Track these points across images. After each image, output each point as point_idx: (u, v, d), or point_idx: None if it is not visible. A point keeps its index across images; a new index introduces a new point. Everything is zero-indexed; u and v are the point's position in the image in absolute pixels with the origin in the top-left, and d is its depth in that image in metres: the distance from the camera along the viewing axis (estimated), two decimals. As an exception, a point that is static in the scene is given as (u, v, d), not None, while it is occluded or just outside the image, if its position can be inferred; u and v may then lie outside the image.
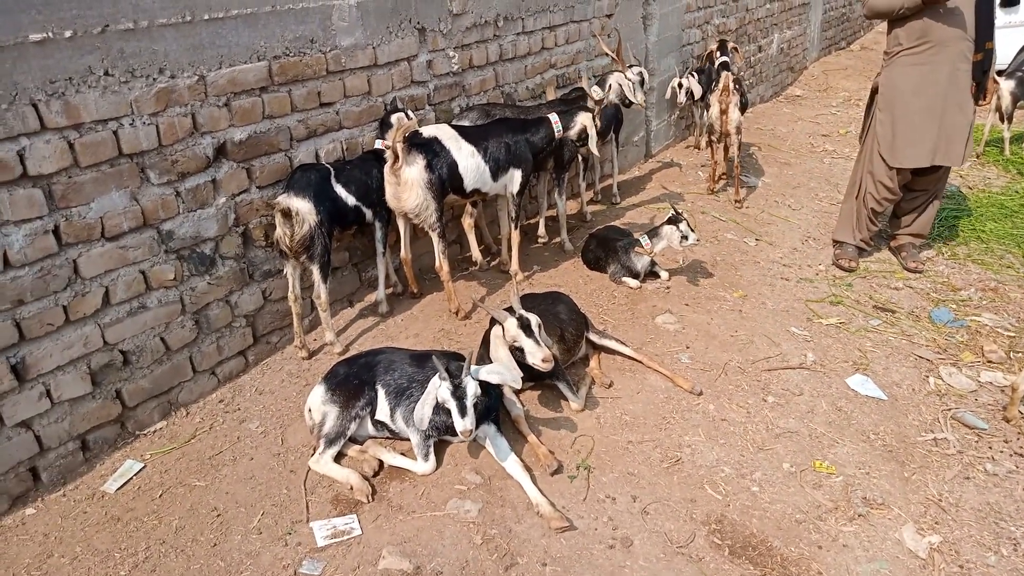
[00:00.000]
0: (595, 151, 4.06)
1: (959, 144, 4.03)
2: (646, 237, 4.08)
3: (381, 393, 2.79)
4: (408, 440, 2.79)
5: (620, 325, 3.78)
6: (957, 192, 5.56)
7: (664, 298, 4.06)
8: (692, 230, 3.99)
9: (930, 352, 3.55)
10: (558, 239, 4.71)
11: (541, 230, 4.79)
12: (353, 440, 2.83)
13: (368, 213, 3.53)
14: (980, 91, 4.09)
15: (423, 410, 2.53)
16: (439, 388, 2.52)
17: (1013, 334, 3.68)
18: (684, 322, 3.80)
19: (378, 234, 3.65)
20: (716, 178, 5.74)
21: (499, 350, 2.75)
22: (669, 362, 3.44)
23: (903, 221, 4.50)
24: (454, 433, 2.72)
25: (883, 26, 4.19)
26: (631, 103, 4.78)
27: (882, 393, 3.23)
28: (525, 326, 2.74)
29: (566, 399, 3.10)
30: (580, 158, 4.97)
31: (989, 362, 3.47)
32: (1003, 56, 7.82)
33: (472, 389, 2.51)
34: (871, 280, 4.31)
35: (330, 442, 2.72)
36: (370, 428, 2.85)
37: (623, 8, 5.60)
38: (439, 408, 2.59)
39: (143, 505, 2.61)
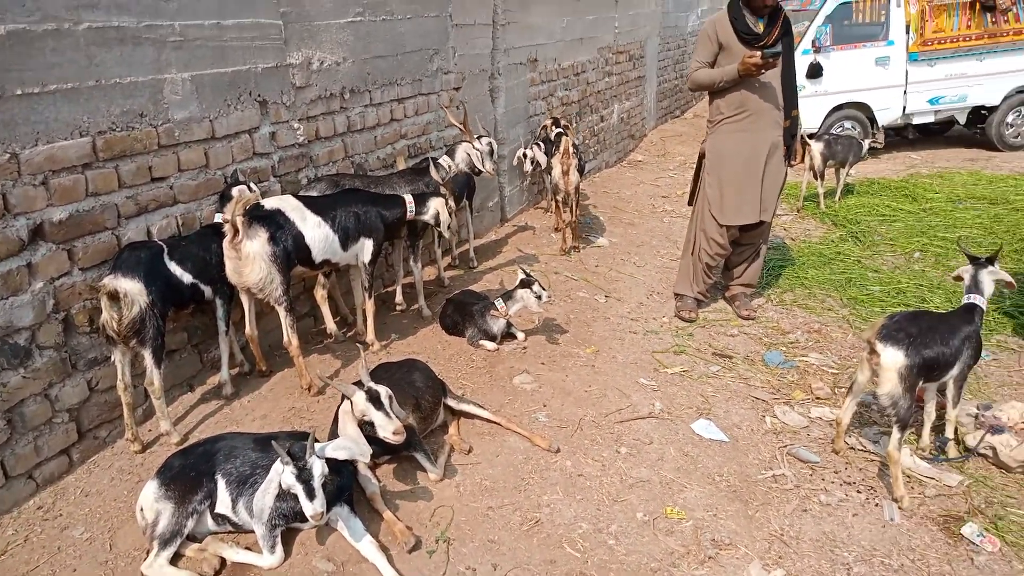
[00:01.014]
0: (447, 234, 4.17)
1: (774, 201, 4.46)
2: (501, 300, 4.16)
3: (221, 483, 2.61)
4: (254, 532, 2.61)
5: (479, 388, 3.79)
6: (781, 243, 6.10)
7: (521, 358, 4.12)
8: (544, 290, 4.10)
9: (765, 393, 3.81)
10: (416, 305, 4.70)
11: (399, 297, 4.76)
12: (192, 538, 2.61)
13: (207, 290, 3.37)
14: (790, 153, 4.56)
15: (264, 500, 2.40)
16: (282, 473, 2.39)
17: (836, 371, 4.02)
18: (541, 381, 3.87)
19: (219, 312, 3.48)
20: (564, 236, 5.99)
21: (348, 426, 2.67)
22: (527, 422, 3.47)
23: (735, 273, 4.87)
24: (303, 519, 2.59)
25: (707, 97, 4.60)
26: (480, 171, 4.94)
27: (724, 435, 3.41)
28: (374, 399, 2.68)
29: (424, 470, 3.04)
30: (435, 230, 5.03)
31: (817, 399, 3.76)
32: (813, 121, 8.79)
33: (319, 469, 2.41)
34: (710, 329, 4.60)
35: (165, 543, 2.49)
36: (210, 523, 2.64)
37: (470, 82, 5.81)
38: (285, 495, 2.46)
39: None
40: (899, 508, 2.89)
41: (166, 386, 3.27)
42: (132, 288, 2.95)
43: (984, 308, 3.18)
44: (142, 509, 2.57)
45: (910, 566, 2.61)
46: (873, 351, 2.97)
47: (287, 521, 2.58)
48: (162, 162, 3.34)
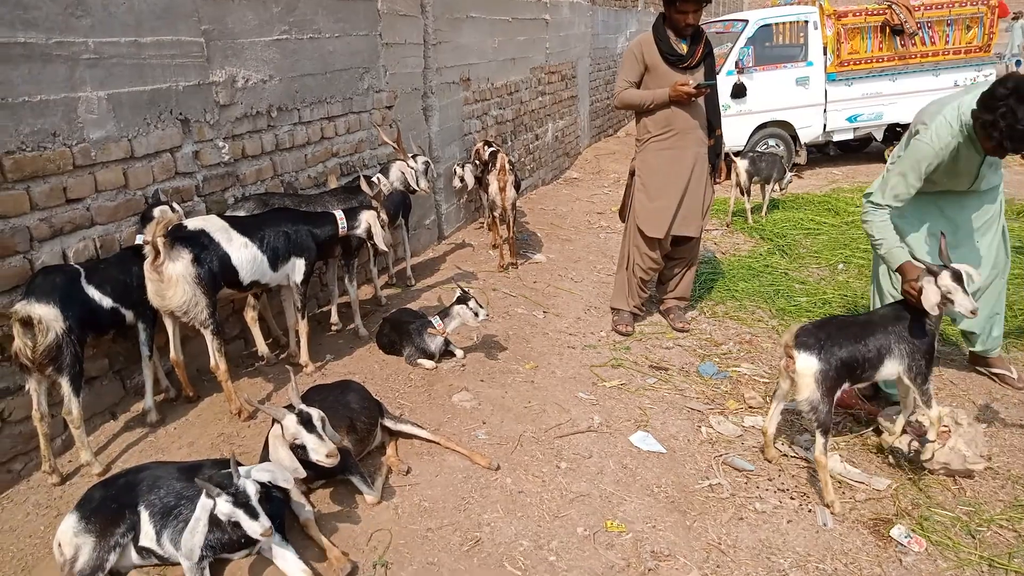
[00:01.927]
0: (382, 246, 4.10)
1: (702, 216, 4.59)
2: (439, 318, 4.12)
3: (145, 515, 2.48)
4: (179, 565, 2.49)
5: (417, 408, 3.74)
6: (712, 257, 6.25)
7: (460, 376, 4.08)
8: (481, 307, 4.08)
9: (700, 403, 3.87)
10: (352, 325, 4.62)
11: (334, 317, 4.67)
12: (115, 574, 2.47)
13: (128, 315, 3.23)
14: (715, 171, 4.69)
15: (193, 539, 2.28)
16: (215, 506, 2.30)
17: (767, 380, 4.12)
18: (480, 398, 3.84)
19: (142, 336, 3.34)
20: (502, 252, 6.00)
21: (279, 450, 2.58)
22: (467, 440, 3.43)
23: (668, 286, 4.96)
24: (232, 550, 2.51)
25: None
26: (415, 190, 4.91)
27: (661, 447, 3.44)
28: (306, 421, 2.61)
29: (361, 493, 2.97)
30: (369, 244, 4.97)
31: (750, 408, 3.84)
32: (738, 139, 9.08)
33: (252, 488, 2.34)
34: (646, 342, 4.66)
35: (84, 580, 2.36)
36: (134, 557, 2.51)
37: (403, 100, 5.79)
38: (215, 526, 2.37)
39: None
40: (831, 513, 2.96)
41: (87, 415, 3.11)
42: (47, 314, 2.81)
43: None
44: (60, 544, 2.42)
45: (843, 570, 2.67)
46: (789, 358, 3.05)
47: (215, 552, 2.47)
48: (78, 183, 3.20)
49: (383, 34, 5.37)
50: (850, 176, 9.55)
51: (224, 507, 2.30)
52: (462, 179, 6.50)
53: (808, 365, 2.99)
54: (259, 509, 2.33)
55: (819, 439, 2.98)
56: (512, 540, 2.79)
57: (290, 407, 2.68)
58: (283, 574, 2.51)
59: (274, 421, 2.71)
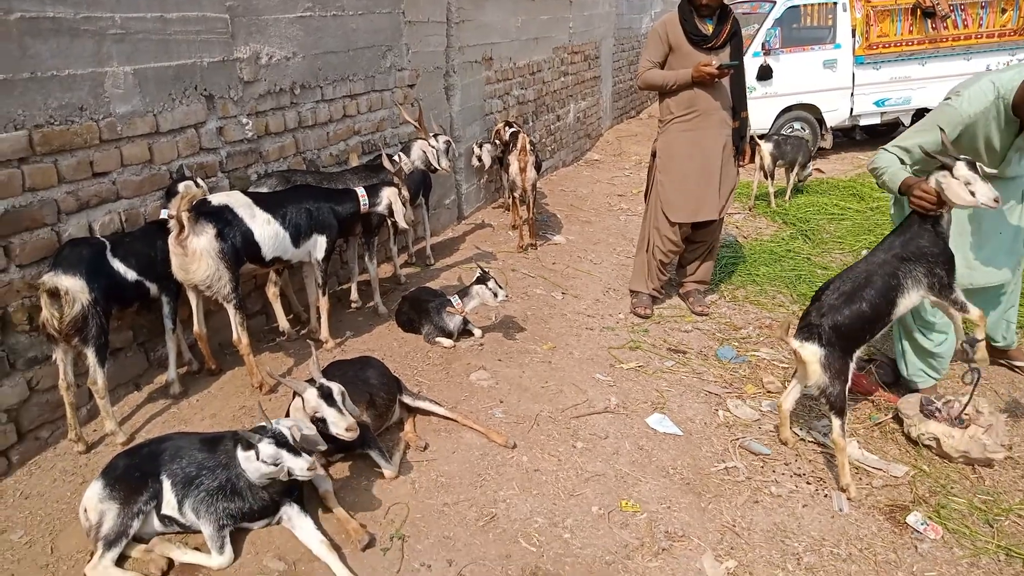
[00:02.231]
0: (403, 223, 4.11)
1: (724, 199, 4.54)
2: (457, 297, 4.13)
3: (167, 484, 2.54)
4: (201, 533, 2.55)
5: (435, 385, 3.77)
6: (734, 241, 6.21)
7: (478, 355, 4.11)
8: (501, 287, 4.09)
9: (718, 387, 3.86)
10: (372, 303, 4.65)
11: (354, 295, 4.71)
12: (138, 539, 2.54)
13: (153, 288, 3.28)
14: (739, 154, 4.64)
15: (258, 467, 2.43)
16: (259, 451, 2.40)
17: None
18: (497, 377, 3.86)
19: (166, 309, 3.39)
20: (522, 233, 6.00)
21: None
22: (484, 418, 3.46)
23: (688, 270, 4.93)
24: (252, 519, 2.57)
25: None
26: (436, 169, 4.91)
27: (678, 429, 3.45)
28: (326, 395, 2.64)
29: (379, 467, 3.01)
30: (390, 222, 4.98)
31: (768, 392, 3.82)
32: (763, 122, 8.96)
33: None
34: (664, 325, 4.65)
35: (109, 544, 2.41)
36: (157, 524, 2.57)
37: (425, 79, 5.78)
38: (234, 494, 2.50)
39: None
40: (847, 498, 2.96)
41: (111, 385, 3.17)
42: (73, 285, 2.86)
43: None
44: (86, 510, 2.49)
45: (858, 555, 2.67)
46: (792, 349, 3.04)
47: (235, 521, 2.53)
48: (104, 157, 3.24)
49: (406, 12, 5.35)
50: (876, 161, 9.39)
51: (267, 449, 2.38)
52: (480, 159, 6.53)
53: (811, 352, 2.98)
54: (300, 448, 2.42)
55: (835, 421, 2.97)
56: (527, 517, 2.82)
57: (311, 381, 2.72)
58: (302, 543, 2.55)
59: (295, 394, 2.76)
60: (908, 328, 3.60)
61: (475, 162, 6.57)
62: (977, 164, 2.87)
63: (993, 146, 3.23)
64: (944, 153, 2.97)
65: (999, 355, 3.95)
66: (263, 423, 2.46)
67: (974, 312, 3.05)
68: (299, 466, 2.39)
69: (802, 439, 3.38)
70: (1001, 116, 3.12)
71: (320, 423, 2.64)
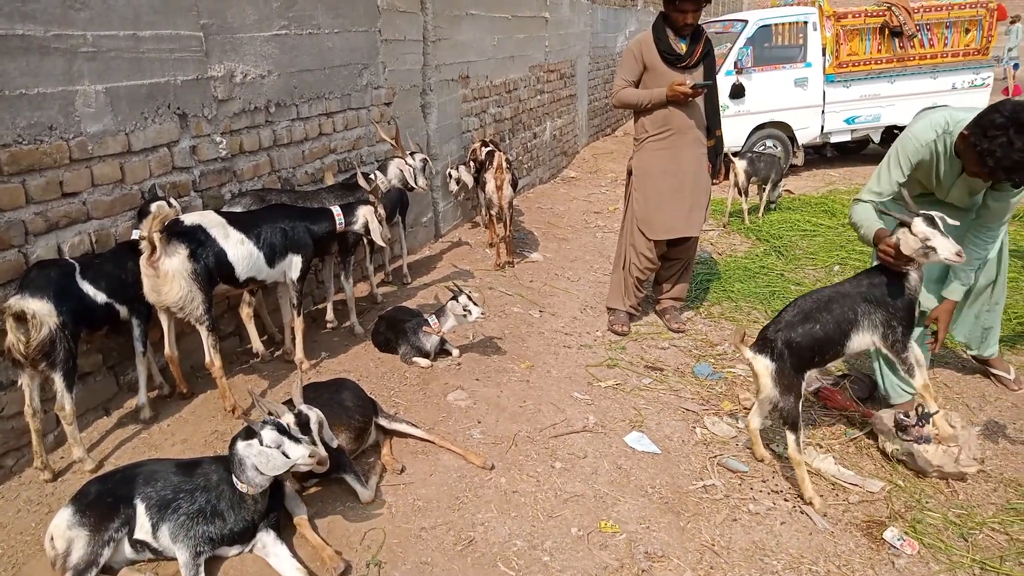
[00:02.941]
0: (379, 241, 4.08)
1: (700, 216, 4.58)
2: (434, 317, 4.11)
3: (141, 507, 2.47)
4: (175, 559, 2.48)
5: (412, 406, 3.73)
6: (709, 258, 6.26)
7: (455, 375, 4.08)
8: (476, 304, 4.06)
9: (695, 404, 3.87)
10: (348, 323, 4.61)
11: (330, 314, 4.66)
12: (107, 570, 2.47)
13: (123, 310, 3.22)
14: (715, 171, 4.69)
15: (271, 465, 2.41)
16: (261, 439, 2.40)
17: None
18: (475, 397, 3.84)
19: (136, 332, 3.33)
20: (499, 251, 5.99)
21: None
22: (461, 439, 3.43)
23: (664, 287, 4.96)
24: (230, 543, 2.52)
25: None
26: (413, 187, 4.90)
27: (656, 447, 3.44)
28: (304, 424, 2.59)
29: (355, 492, 2.96)
30: (366, 240, 4.95)
31: (745, 409, 3.83)
32: (736, 139, 9.08)
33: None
34: (642, 342, 4.66)
35: (78, 575, 2.35)
36: (128, 551, 2.50)
37: (401, 97, 5.78)
38: (214, 516, 2.45)
39: None
40: (819, 513, 2.96)
41: (79, 411, 3.11)
42: (40, 309, 2.80)
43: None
44: (52, 538, 2.42)
45: (836, 572, 2.68)
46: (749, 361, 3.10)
47: (214, 547, 2.48)
48: (74, 177, 3.19)
49: (382, 30, 5.36)
50: (847, 178, 9.57)
51: (269, 435, 2.38)
52: (458, 181, 6.44)
53: (764, 365, 3.03)
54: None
55: (789, 436, 3.01)
56: (506, 540, 2.79)
57: (290, 403, 2.68)
58: (277, 573, 2.50)
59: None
60: None
61: (453, 186, 6.46)
62: (937, 219, 2.85)
63: (940, 177, 3.30)
64: (905, 208, 3.01)
65: (980, 360, 4.03)
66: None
67: (919, 380, 3.06)
68: (298, 452, 2.40)
69: (778, 456, 3.40)
70: (947, 152, 3.19)
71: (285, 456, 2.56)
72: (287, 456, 2.40)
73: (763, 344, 3.07)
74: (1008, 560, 2.71)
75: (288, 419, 2.52)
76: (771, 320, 3.18)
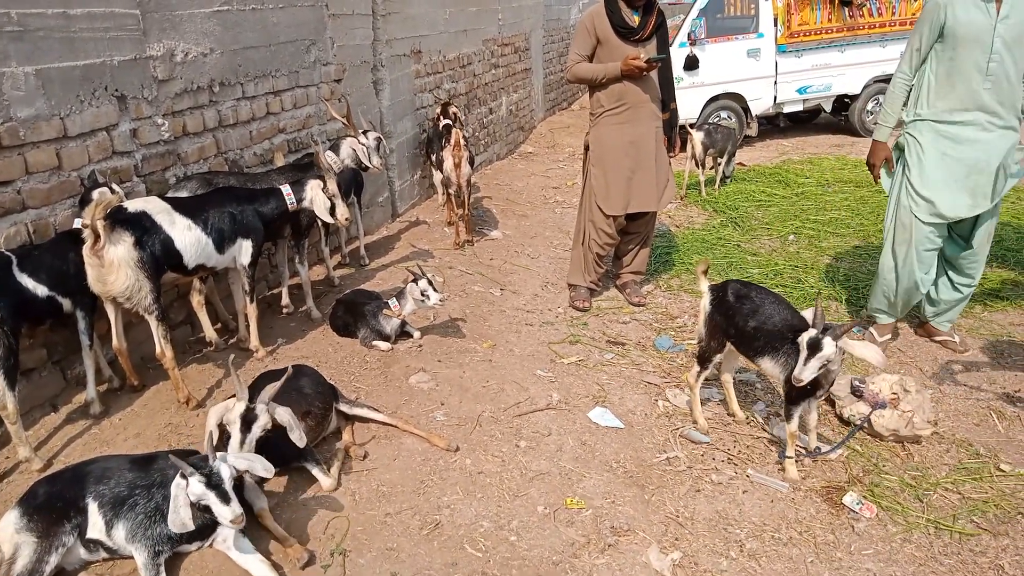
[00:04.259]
0: (327, 218, 3.93)
1: (659, 190, 4.57)
2: (394, 299, 4.04)
3: (93, 507, 2.39)
4: (131, 558, 2.41)
5: (374, 391, 3.68)
6: (667, 231, 6.29)
7: (417, 357, 4.03)
8: (435, 289, 3.98)
9: (657, 377, 3.90)
10: (304, 307, 4.51)
11: (285, 299, 4.55)
12: (60, 571, 2.38)
13: (66, 303, 3.09)
14: (671, 144, 4.68)
15: (180, 514, 2.24)
16: (188, 487, 2.25)
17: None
18: (438, 379, 3.80)
19: (81, 325, 3.19)
20: (458, 230, 5.92)
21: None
22: (425, 422, 3.40)
23: (624, 261, 4.96)
24: (190, 540, 2.44)
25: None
26: (367, 167, 4.78)
27: (619, 422, 3.46)
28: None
29: (317, 480, 2.91)
30: (320, 223, 4.84)
31: (705, 380, 3.87)
32: (691, 111, 9.10)
33: (227, 472, 2.29)
34: (603, 317, 4.67)
35: (24, 583, 2.26)
36: (81, 551, 2.42)
37: (352, 74, 5.63)
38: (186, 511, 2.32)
39: None
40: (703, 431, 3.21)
41: (24, 408, 3.00)
42: (-26, 305, 2.66)
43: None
44: (-3, 544, 2.32)
45: (798, 538, 2.73)
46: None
47: (173, 546, 2.41)
48: (6, 164, 3.03)
49: (329, 4, 5.20)
50: (800, 148, 9.69)
51: (196, 489, 2.25)
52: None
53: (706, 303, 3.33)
54: (232, 494, 2.28)
55: (693, 368, 3.38)
56: (472, 522, 2.77)
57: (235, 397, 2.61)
58: (238, 566, 2.45)
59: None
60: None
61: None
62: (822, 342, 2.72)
63: (976, 30, 3.44)
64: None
65: (926, 329, 4.16)
66: (205, 453, 2.33)
67: (792, 426, 3.03)
68: (223, 514, 2.27)
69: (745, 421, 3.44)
70: None
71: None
72: (210, 513, 2.30)
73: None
74: (960, 519, 2.79)
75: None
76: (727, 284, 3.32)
